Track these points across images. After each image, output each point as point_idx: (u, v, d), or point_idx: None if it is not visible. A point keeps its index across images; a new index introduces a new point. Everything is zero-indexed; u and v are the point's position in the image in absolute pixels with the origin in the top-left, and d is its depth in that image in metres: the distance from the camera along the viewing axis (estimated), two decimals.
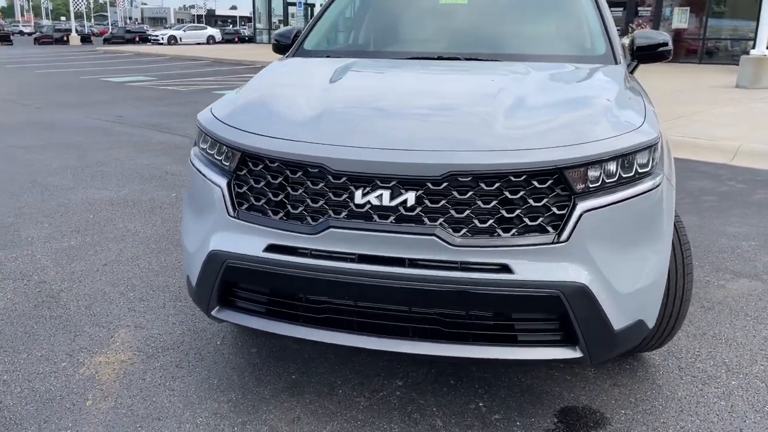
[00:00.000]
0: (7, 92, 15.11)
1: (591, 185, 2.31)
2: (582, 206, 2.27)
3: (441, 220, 2.28)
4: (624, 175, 2.37)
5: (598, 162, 2.31)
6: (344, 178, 2.34)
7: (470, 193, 2.27)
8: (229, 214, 2.52)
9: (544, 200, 2.27)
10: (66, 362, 3.04)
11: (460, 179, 2.26)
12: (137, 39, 50.02)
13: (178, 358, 3.07)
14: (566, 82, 3.02)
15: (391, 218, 2.30)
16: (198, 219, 2.71)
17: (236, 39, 51.58)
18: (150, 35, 48.80)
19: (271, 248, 2.43)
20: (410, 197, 2.28)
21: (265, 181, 2.49)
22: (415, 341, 2.36)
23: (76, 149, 8.11)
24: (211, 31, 50.01)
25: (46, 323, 3.41)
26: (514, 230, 2.27)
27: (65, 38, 50.26)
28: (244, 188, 2.53)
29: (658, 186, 2.44)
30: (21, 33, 75.19)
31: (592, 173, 2.32)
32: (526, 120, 2.46)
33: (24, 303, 3.65)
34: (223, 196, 2.55)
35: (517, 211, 2.27)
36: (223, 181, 2.57)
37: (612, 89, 2.85)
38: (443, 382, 2.87)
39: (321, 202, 2.38)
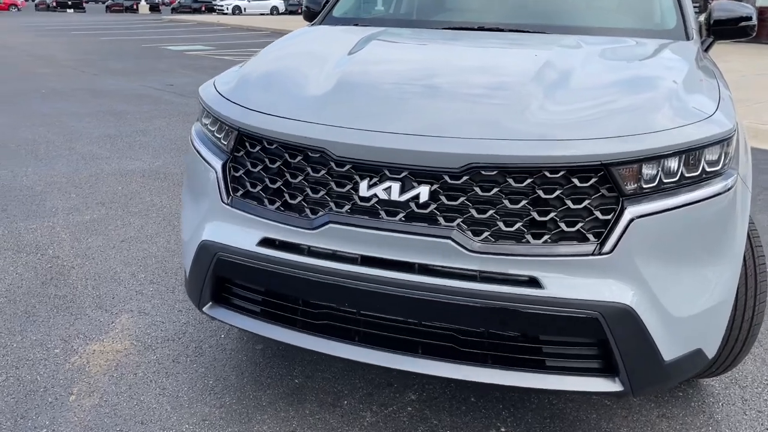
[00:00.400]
0: (69, 58, 15.33)
1: (645, 186, 1.90)
2: (632, 211, 1.86)
3: (459, 220, 1.92)
4: (687, 175, 1.95)
5: (656, 158, 1.90)
6: (348, 166, 2.00)
7: (495, 190, 1.90)
8: (222, 201, 2.23)
9: (586, 202, 1.88)
10: (59, 348, 2.84)
11: (483, 173, 1.89)
12: (203, 9, 50.56)
13: (176, 352, 2.82)
14: (624, 59, 2.58)
15: (401, 216, 1.95)
16: (194, 204, 2.43)
17: (299, 10, 51.45)
18: (215, 5, 49.22)
19: (265, 242, 2.12)
20: (423, 192, 1.92)
21: (262, 165, 2.18)
22: (424, 359, 2.02)
23: (120, 117, 8.03)
24: (274, 1, 50.01)
25: (49, 303, 3.23)
26: (546, 237, 1.89)
27: (135, 6, 51.29)
28: (241, 172, 2.23)
29: (730, 189, 2.00)
30: (95, 0, 77.24)
31: (647, 171, 1.91)
32: (569, 103, 2.05)
33: (32, 279, 3.49)
34: (218, 179, 2.26)
35: (552, 214, 1.88)
36: (218, 163, 2.27)
37: (680, 69, 2.39)
38: (463, 400, 2.52)
39: (322, 193, 2.05)
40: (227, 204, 2.21)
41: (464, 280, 1.91)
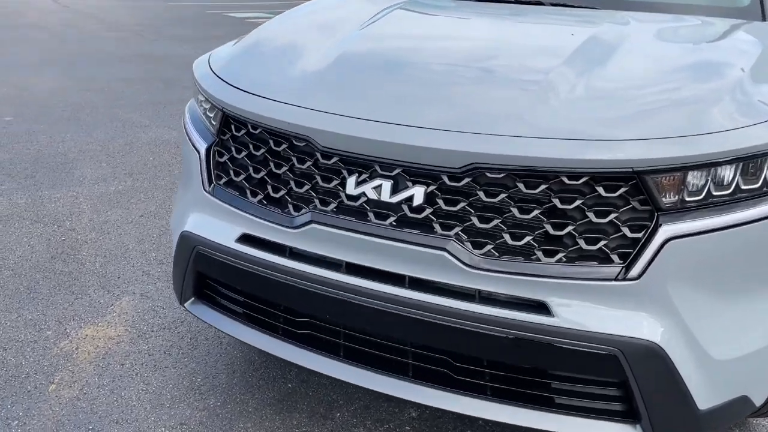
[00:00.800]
0: (132, 23, 15.48)
1: (688, 199, 1.57)
2: (668, 230, 1.53)
3: (458, 229, 1.63)
4: (744, 188, 1.60)
5: (706, 165, 1.56)
6: (335, 159, 1.73)
7: (502, 196, 1.60)
8: (204, 189, 2.00)
9: (612, 216, 1.56)
10: (51, 331, 2.71)
11: (488, 175, 1.59)
12: None
13: (169, 342, 2.65)
14: (684, 41, 2.20)
15: (391, 219, 1.68)
16: (182, 189, 2.22)
17: None
18: None
19: (245, 239, 1.89)
20: (418, 194, 1.64)
21: (246, 152, 1.93)
22: (415, 384, 1.76)
23: (169, 85, 7.95)
24: None
25: (54, 279, 3.12)
26: (561, 255, 1.58)
27: None
28: (225, 158, 1.99)
29: None
30: None
31: (693, 181, 1.57)
32: (604, 95, 1.72)
33: (42, 253, 3.39)
34: (200, 164, 2.03)
35: (569, 228, 1.57)
36: (203, 146, 2.05)
37: (751, 55, 2.01)
38: (469, 422, 2.26)
39: (306, 188, 1.79)
40: (208, 192, 1.98)
41: (461, 300, 1.62)
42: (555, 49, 1.98)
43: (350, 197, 1.72)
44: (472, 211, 1.62)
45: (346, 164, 1.72)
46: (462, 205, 1.62)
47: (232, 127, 1.96)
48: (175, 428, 2.18)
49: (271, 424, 2.21)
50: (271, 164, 1.86)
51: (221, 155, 2.00)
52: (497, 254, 1.61)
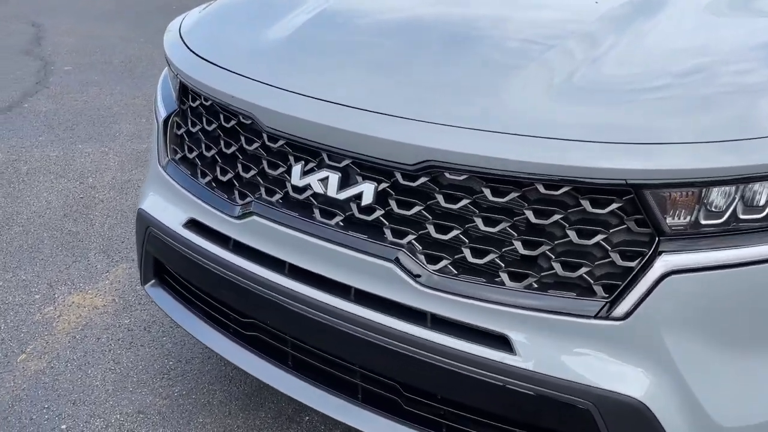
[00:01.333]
0: None
1: (704, 223, 1.22)
2: (670, 261, 1.20)
3: (411, 238, 1.36)
4: None
5: (735, 181, 1.20)
6: (281, 142, 1.48)
7: (464, 203, 1.31)
8: (159, 163, 1.81)
9: (598, 237, 1.24)
10: (40, 294, 2.63)
11: (447, 176, 1.30)
12: None
13: (152, 318, 2.51)
14: (734, 8, 1.77)
15: (338, 219, 1.42)
16: (151, 161, 2.04)
17: None
18: None
19: (192, 224, 1.69)
20: (367, 191, 1.37)
21: (199, 126, 1.71)
22: (363, 409, 1.52)
23: None
24: None
25: (59, 239, 3.05)
26: (530, 280, 1.28)
27: None
28: (182, 130, 1.78)
29: None
30: None
31: (714, 200, 1.22)
32: (605, 85, 1.37)
33: (57, 209, 3.33)
34: (158, 134, 1.83)
35: (543, 248, 1.27)
36: (163, 115, 1.84)
37: None
38: None
39: (252, 173, 1.56)
40: (162, 167, 1.78)
41: (410, 322, 1.36)
42: (565, 19, 1.62)
43: (296, 188, 1.47)
44: (429, 218, 1.34)
45: (294, 149, 1.47)
46: (417, 209, 1.34)
47: (190, 96, 1.73)
48: (131, 416, 2.04)
49: (232, 422, 2.04)
50: (222, 142, 1.63)
51: (179, 127, 1.79)
52: (454, 272, 1.32)
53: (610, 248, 1.24)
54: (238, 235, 1.56)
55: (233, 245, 1.58)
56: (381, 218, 1.37)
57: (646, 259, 1.21)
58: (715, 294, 1.21)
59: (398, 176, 1.33)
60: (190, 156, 1.72)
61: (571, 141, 1.21)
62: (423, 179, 1.31)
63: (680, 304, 1.21)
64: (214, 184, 1.64)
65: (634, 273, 1.22)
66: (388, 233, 1.37)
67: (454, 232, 1.31)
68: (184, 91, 1.75)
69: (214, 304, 1.75)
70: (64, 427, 2.00)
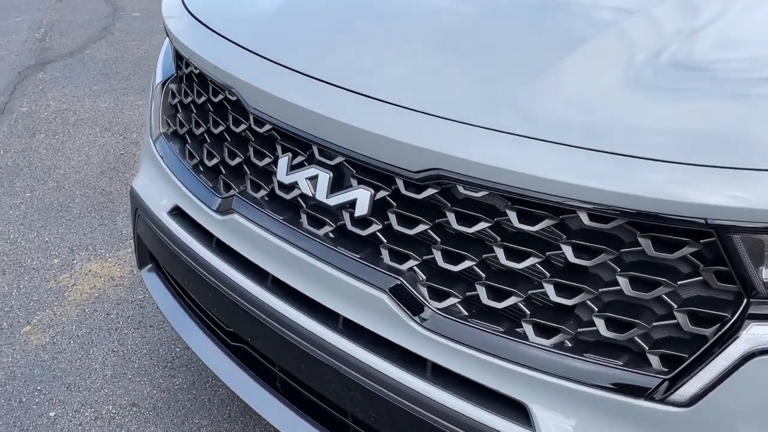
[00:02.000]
0: None
1: None
2: (760, 334, 0.85)
3: (412, 264, 1.06)
4: None
5: None
6: (268, 127, 1.20)
7: (482, 225, 0.99)
8: (150, 135, 1.57)
9: (659, 290, 0.90)
10: (59, 259, 2.50)
11: (461, 190, 0.99)
12: None
13: None
14: None
15: (326, 230, 1.14)
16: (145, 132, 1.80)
17: None
18: None
19: (176, 212, 1.45)
20: (362, 199, 1.08)
21: (190, 98, 1.45)
22: None
23: None
24: None
25: (90, 199, 2.91)
26: (563, 337, 0.96)
27: None
28: (176, 101, 1.53)
29: None
30: None
31: None
32: (691, 76, 1.01)
33: (95, 165, 3.19)
34: (152, 101, 1.59)
35: (582, 297, 0.94)
36: (158, 79, 1.60)
37: None
38: None
39: (238, 160, 1.29)
40: (152, 141, 1.54)
41: (406, 368, 1.07)
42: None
43: (282, 186, 1.19)
44: (436, 241, 1.03)
45: (281, 138, 1.18)
46: (421, 228, 1.03)
47: (183, 63, 1.47)
48: (123, 408, 1.87)
49: (230, 427, 1.83)
50: (210, 120, 1.36)
51: (173, 96, 1.53)
52: (464, 313, 1.02)
53: (675, 306, 0.90)
54: (220, 233, 1.31)
55: (216, 244, 1.33)
56: (378, 234, 1.08)
57: (728, 327, 0.87)
58: None
59: (400, 184, 1.03)
60: (181, 132, 1.47)
61: (632, 158, 0.86)
62: (430, 191, 1.00)
63: None
64: (201, 169, 1.39)
65: (708, 344, 0.88)
66: (385, 254, 1.07)
67: (467, 263, 1.00)
68: (179, 57, 1.49)
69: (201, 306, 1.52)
70: (52, 414, 1.85)
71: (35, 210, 2.81)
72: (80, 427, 1.81)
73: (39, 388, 1.93)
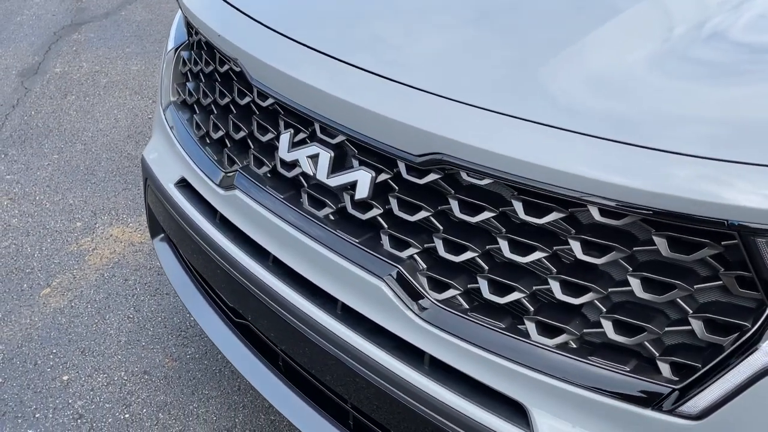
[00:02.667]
0: None
1: None
2: None
3: (413, 251, 1.00)
4: None
5: None
6: (271, 101, 1.15)
7: (486, 215, 0.93)
8: (160, 104, 1.53)
9: (674, 293, 0.83)
10: (82, 222, 2.51)
11: (464, 176, 0.92)
12: None
13: None
14: None
15: (327, 211, 1.09)
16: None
17: None
18: None
19: (182, 184, 1.41)
20: (363, 181, 1.02)
21: (200, 66, 1.40)
22: None
23: None
24: None
25: (116, 162, 2.91)
26: (567, 337, 0.90)
27: None
28: (186, 68, 1.48)
29: None
30: None
31: None
32: (721, 59, 0.92)
33: (123, 129, 3.19)
34: (163, 68, 1.55)
35: (590, 296, 0.88)
36: (170, 45, 1.56)
37: None
38: None
39: (242, 134, 1.24)
40: (162, 110, 1.51)
41: (403, 359, 1.03)
42: None
43: (284, 163, 1.14)
44: (439, 229, 0.97)
45: (284, 113, 1.13)
46: (423, 214, 0.97)
47: (194, 30, 1.42)
48: (135, 376, 1.88)
49: (239, 399, 1.83)
50: (217, 91, 1.31)
51: (184, 64, 1.49)
52: (465, 306, 0.96)
53: (691, 311, 0.83)
54: (223, 208, 1.27)
55: (220, 219, 1.30)
56: (379, 219, 1.03)
57: (747, 337, 0.80)
58: None
59: (401, 167, 0.97)
60: (190, 101, 1.43)
61: (649, 149, 0.79)
62: (433, 176, 0.94)
63: None
64: (207, 141, 1.35)
65: (724, 354, 0.81)
66: (385, 240, 1.02)
67: (469, 254, 0.94)
68: (189, 24, 1.44)
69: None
70: (65, 378, 1.87)
71: (62, 172, 2.83)
72: (92, 392, 1.83)
73: (54, 351, 1.96)
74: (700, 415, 0.82)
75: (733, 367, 0.80)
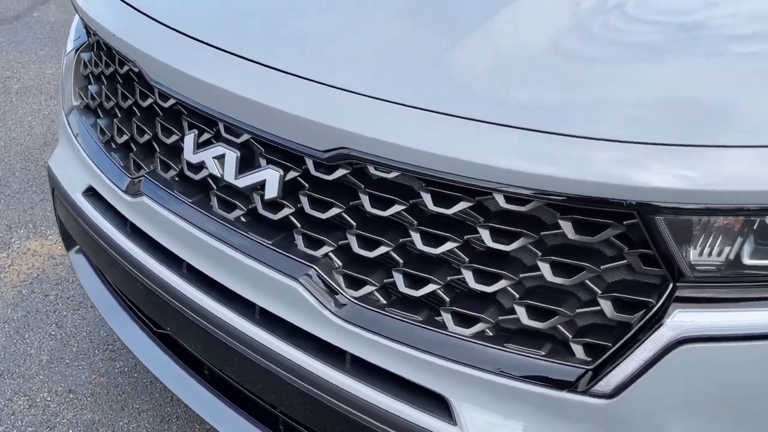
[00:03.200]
0: None
1: (748, 263, 0.80)
2: (687, 321, 0.80)
3: (327, 250, 0.98)
4: None
5: None
6: (172, 102, 1.10)
7: (397, 208, 0.92)
8: (64, 111, 1.46)
9: (582, 275, 0.84)
10: None
11: (374, 170, 0.91)
12: None
13: None
14: None
15: (238, 213, 1.06)
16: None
17: None
18: None
19: (90, 193, 1.35)
20: (271, 180, 0.99)
21: (99, 70, 1.34)
22: None
23: None
24: None
25: (32, 172, 2.78)
26: (483, 326, 0.90)
27: None
28: (88, 71, 1.42)
29: None
30: None
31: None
32: (618, 40, 0.93)
33: (38, 137, 3.05)
34: (64, 72, 1.48)
35: (503, 283, 0.88)
36: (69, 47, 1.49)
37: None
38: None
39: (147, 138, 1.19)
40: (65, 115, 1.44)
41: (325, 360, 1.01)
42: None
43: (190, 166, 1.10)
44: (352, 225, 0.95)
45: (187, 113, 1.09)
46: (335, 211, 0.95)
47: (92, 32, 1.35)
48: (59, 395, 1.80)
49: (172, 411, 1.77)
50: (119, 93, 1.26)
51: (85, 66, 1.42)
52: (382, 302, 0.95)
53: (600, 292, 0.84)
54: (132, 216, 1.22)
55: (131, 228, 1.25)
56: (291, 218, 1.00)
57: (652, 313, 0.81)
58: (760, 376, 0.81)
59: (309, 164, 0.95)
60: (93, 105, 1.37)
61: (549, 134, 0.79)
62: (341, 171, 0.92)
63: (700, 384, 0.81)
64: (112, 146, 1.29)
65: (633, 331, 0.82)
66: (299, 240, 0.99)
67: (383, 249, 0.93)
68: (85, 24, 1.37)
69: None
70: None
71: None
72: (13, 417, 1.74)
73: None
74: (612, 393, 0.83)
75: (640, 344, 0.81)
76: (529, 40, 0.93)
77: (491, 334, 0.89)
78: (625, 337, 0.82)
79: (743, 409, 0.82)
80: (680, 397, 0.82)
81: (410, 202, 0.90)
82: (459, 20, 0.95)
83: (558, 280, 0.84)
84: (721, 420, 0.82)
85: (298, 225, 0.99)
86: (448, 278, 0.91)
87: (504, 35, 0.95)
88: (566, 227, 0.82)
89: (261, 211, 1.01)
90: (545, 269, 0.85)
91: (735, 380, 0.80)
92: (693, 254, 0.80)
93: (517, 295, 0.88)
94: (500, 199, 0.83)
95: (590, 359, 0.85)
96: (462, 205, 0.86)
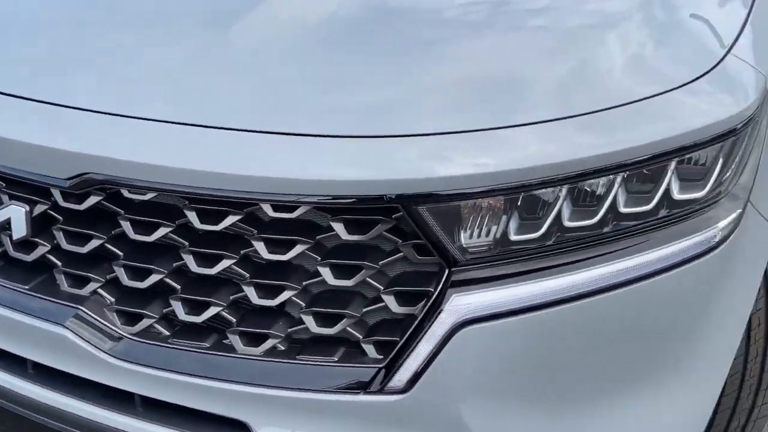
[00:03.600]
0: None
1: (515, 239, 0.82)
2: (463, 304, 0.80)
3: (96, 286, 0.89)
4: (632, 211, 0.85)
5: (550, 183, 0.80)
6: None
7: (163, 231, 0.85)
8: None
9: (362, 274, 0.82)
10: None
11: (128, 194, 0.83)
12: None
13: None
14: None
15: None
16: None
17: None
18: None
19: None
20: (17, 218, 0.88)
21: None
22: None
23: None
24: None
25: None
26: (273, 341, 0.86)
27: None
28: None
29: (724, 242, 0.89)
30: None
31: (534, 206, 0.82)
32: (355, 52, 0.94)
33: None
34: None
35: (287, 294, 0.84)
36: None
37: None
38: None
39: None
40: None
41: (112, 406, 0.91)
42: None
43: None
44: (118, 255, 0.87)
45: None
46: (95, 243, 0.86)
47: None
48: None
49: None
50: None
51: None
52: (165, 334, 0.88)
53: (382, 288, 0.83)
54: None
55: None
56: (50, 257, 0.89)
57: (432, 301, 0.81)
58: (538, 344, 0.83)
59: (56, 195, 0.85)
60: None
61: (296, 136, 0.76)
62: (94, 198, 0.83)
63: (486, 363, 0.82)
64: None
65: (416, 323, 0.82)
66: (61, 280, 0.89)
67: (156, 277, 0.85)
68: None
69: None
70: None
71: None
72: None
73: None
74: (406, 388, 0.82)
75: (424, 334, 0.81)
76: (272, 39, 0.90)
77: (283, 348, 0.85)
78: (410, 330, 0.81)
79: (530, 380, 0.84)
80: (471, 380, 0.82)
81: (176, 222, 0.83)
82: (202, 24, 0.90)
83: (340, 283, 0.82)
84: (511, 393, 0.84)
85: (59, 263, 0.89)
86: (231, 297, 0.85)
87: (243, 38, 0.91)
88: (338, 228, 0.80)
89: (12, 253, 0.90)
90: (326, 273, 0.82)
91: (516, 354, 0.82)
92: (464, 238, 0.81)
93: (304, 304, 0.84)
94: (268, 209, 0.79)
95: (381, 357, 0.83)
96: (231, 219, 0.81)
